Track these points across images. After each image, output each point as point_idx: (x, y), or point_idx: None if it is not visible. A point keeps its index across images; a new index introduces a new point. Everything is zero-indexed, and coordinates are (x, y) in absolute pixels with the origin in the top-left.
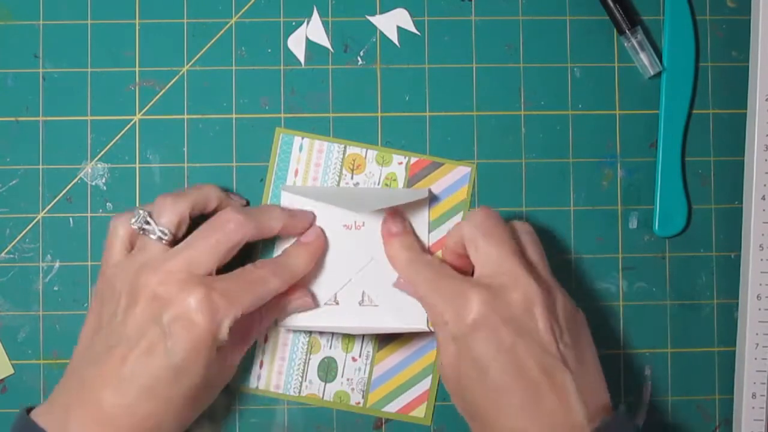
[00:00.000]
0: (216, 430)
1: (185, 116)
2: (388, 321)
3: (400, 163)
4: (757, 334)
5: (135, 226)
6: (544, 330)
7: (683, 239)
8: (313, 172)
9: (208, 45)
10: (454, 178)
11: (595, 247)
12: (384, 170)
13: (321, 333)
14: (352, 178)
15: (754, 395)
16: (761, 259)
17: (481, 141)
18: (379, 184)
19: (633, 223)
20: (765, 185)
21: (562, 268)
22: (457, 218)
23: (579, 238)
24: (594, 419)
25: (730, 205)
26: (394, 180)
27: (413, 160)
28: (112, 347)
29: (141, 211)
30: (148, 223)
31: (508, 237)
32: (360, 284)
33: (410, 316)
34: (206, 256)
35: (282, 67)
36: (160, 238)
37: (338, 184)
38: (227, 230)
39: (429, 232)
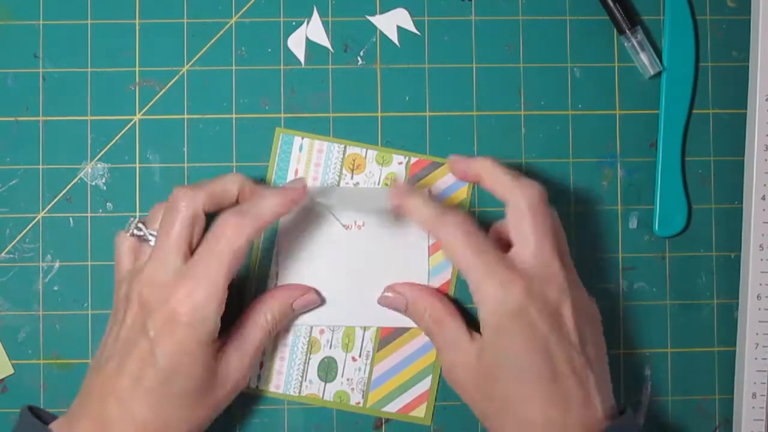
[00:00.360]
0: None
1: (185, 116)
2: (388, 320)
3: (400, 163)
4: (757, 334)
5: (128, 234)
6: (572, 329)
7: (683, 239)
8: (313, 172)
9: (208, 45)
10: (454, 178)
11: (595, 247)
12: (384, 170)
13: (321, 332)
14: (352, 178)
15: (754, 395)
16: (761, 259)
17: (481, 141)
18: (379, 184)
19: (633, 223)
20: (765, 185)
21: None
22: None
23: (579, 238)
24: (607, 419)
25: (730, 205)
26: (394, 180)
27: (413, 160)
28: (110, 358)
29: (132, 219)
30: (138, 228)
31: (551, 228)
32: (360, 284)
33: None
34: (216, 271)
35: (282, 67)
36: None
37: (338, 184)
38: (227, 237)
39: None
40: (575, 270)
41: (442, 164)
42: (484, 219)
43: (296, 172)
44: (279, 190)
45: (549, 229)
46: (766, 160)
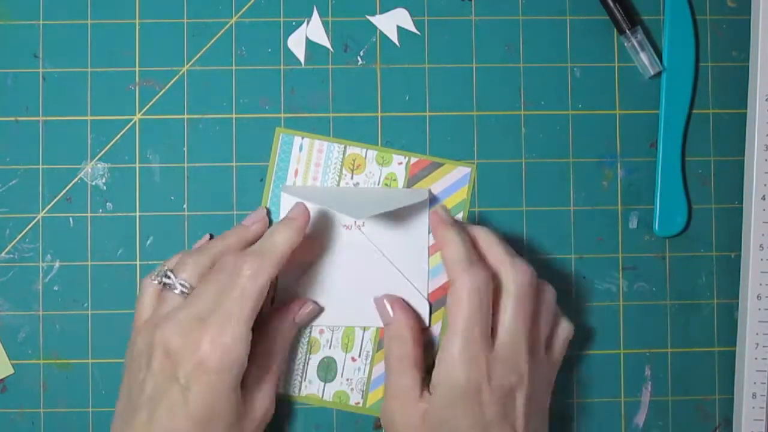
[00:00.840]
0: None
1: (185, 116)
2: None
3: (400, 163)
4: (757, 334)
5: (155, 281)
6: (520, 417)
7: (683, 239)
8: (313, 172)
9: (208, 45)
10: (454, 178)
11: (595, 247)
12: (384, 170)
13: (321, 332)
14: (352, 178)
15: (754, 395)
16: (761, 259)
17: (481, 141)
18: (379, 184)
19: (633, 223)
20: (765, 185)
21: (562, 268)
22: (458, 218)
23: (579, 238)
24: None
25: (730, 205)
26: (394, 180)
27: (413, 160)
28: (137, 408)
29: (161, 267)
30: (167, 277)
31: (531, 316)
32: (360, 284)
33: None
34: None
35: (282, 67)
36: (183, 292)
37: (338, 184)
38: (249, 278)
39: (429, 233)
40: (547, 359)
41: (443, 164)
42: (483, 220)
43: (296, 172)
44: (286, 223)
45: (529, 317)
46: (766, 160)
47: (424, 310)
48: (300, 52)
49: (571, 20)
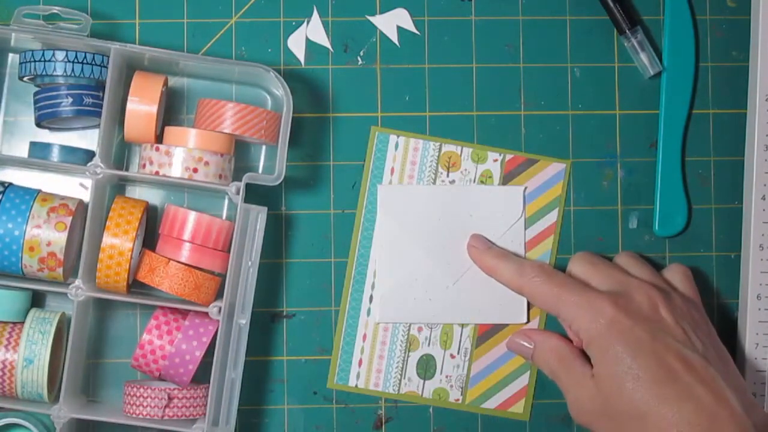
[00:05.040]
0: None
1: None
2: (485, 317)
3: (495, 160)
4: (757, 334)
5: None
6: (674, 325)
7: (683, 239)
8: (409, 170)
9: (208, 45)
10: (548, 175)
11: (595, 247)
12: (479, 167)
13: (419, 330)
14: (447, 175)
15: (754, 395)
16: (761, 259)
17: (480, 141)
18: (475, 181)
19: (633, 223)
20: (765, 185)
21: (562, 267)
22: (553, 214)
23: (579, 238)
24: (749, 413)
25: (730, 205)
26: (490, 177)
27: (508, 156)
28: None
29: None
30: None
31: (609, 269)
32: (458, 282)
33: (509, 312)
34: None
35: (282, 67)
36: None
37: (434, 182)
38: None
39: (525, 228)
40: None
41: (538, 161)
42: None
43: (392, 171)
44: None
45: (610, 272)
46: (766, 160)
47: (521, 306)
48: (300, 52)
49: (571, 20)
